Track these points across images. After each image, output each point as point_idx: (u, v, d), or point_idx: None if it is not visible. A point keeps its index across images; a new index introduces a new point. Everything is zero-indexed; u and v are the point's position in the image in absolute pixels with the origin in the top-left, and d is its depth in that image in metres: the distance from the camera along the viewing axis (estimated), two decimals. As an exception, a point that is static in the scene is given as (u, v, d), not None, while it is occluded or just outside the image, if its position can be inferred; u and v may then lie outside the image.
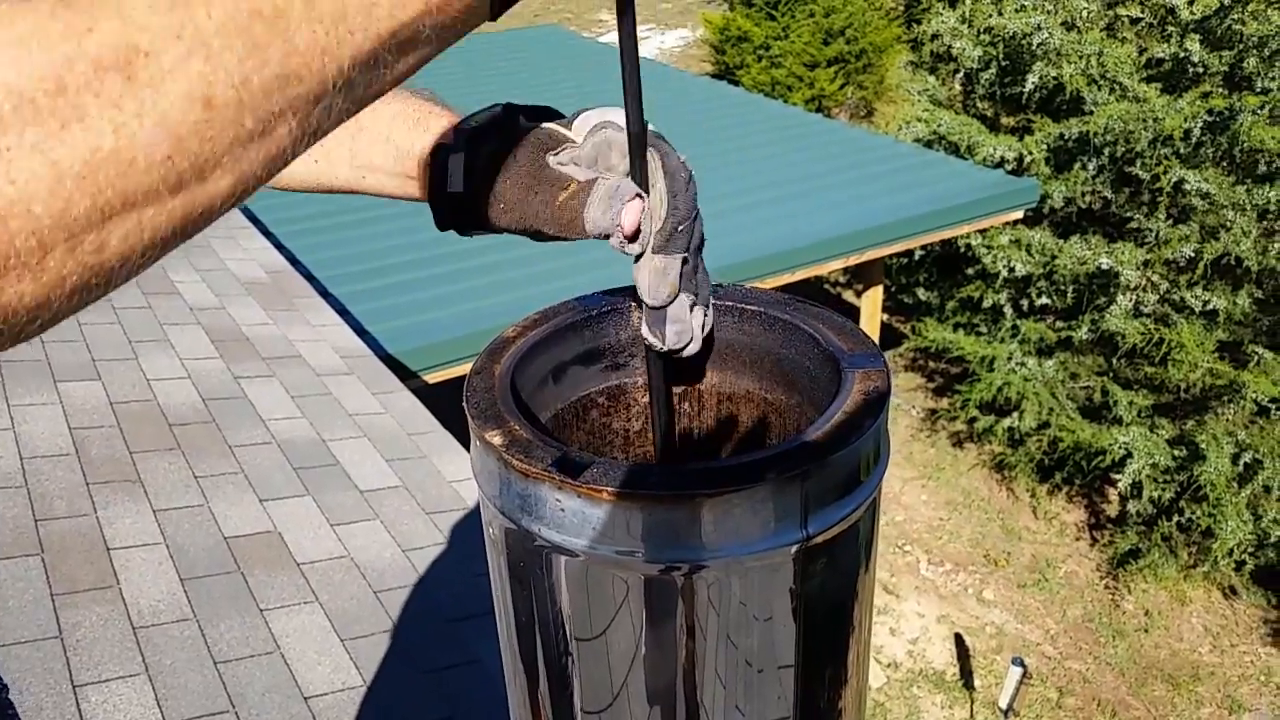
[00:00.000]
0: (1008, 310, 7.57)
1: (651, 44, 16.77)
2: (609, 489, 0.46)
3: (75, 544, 2.33)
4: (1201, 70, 6.62)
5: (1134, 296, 6.78)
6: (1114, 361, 7.08)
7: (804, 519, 0.48)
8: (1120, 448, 6.52)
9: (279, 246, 4.76)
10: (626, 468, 0.47)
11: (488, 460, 0.52)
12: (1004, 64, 7.56)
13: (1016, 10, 7.19)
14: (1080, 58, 6.88)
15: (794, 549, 0.48)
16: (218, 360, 3.31)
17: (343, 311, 4.39)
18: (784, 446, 0.48)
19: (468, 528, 2.70)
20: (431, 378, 4.45)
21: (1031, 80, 7.10)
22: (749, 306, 0.62)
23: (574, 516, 0.48)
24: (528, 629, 0.55)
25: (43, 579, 2.20)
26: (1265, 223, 6.28)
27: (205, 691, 2.01)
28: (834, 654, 0.56)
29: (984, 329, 7.76)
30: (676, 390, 0.66)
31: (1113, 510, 7.31)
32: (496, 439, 0.50)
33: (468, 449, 2.75)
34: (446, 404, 4.12)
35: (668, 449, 0.60)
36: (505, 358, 0.58)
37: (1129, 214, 7.08)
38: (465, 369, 4.51)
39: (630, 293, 0.65)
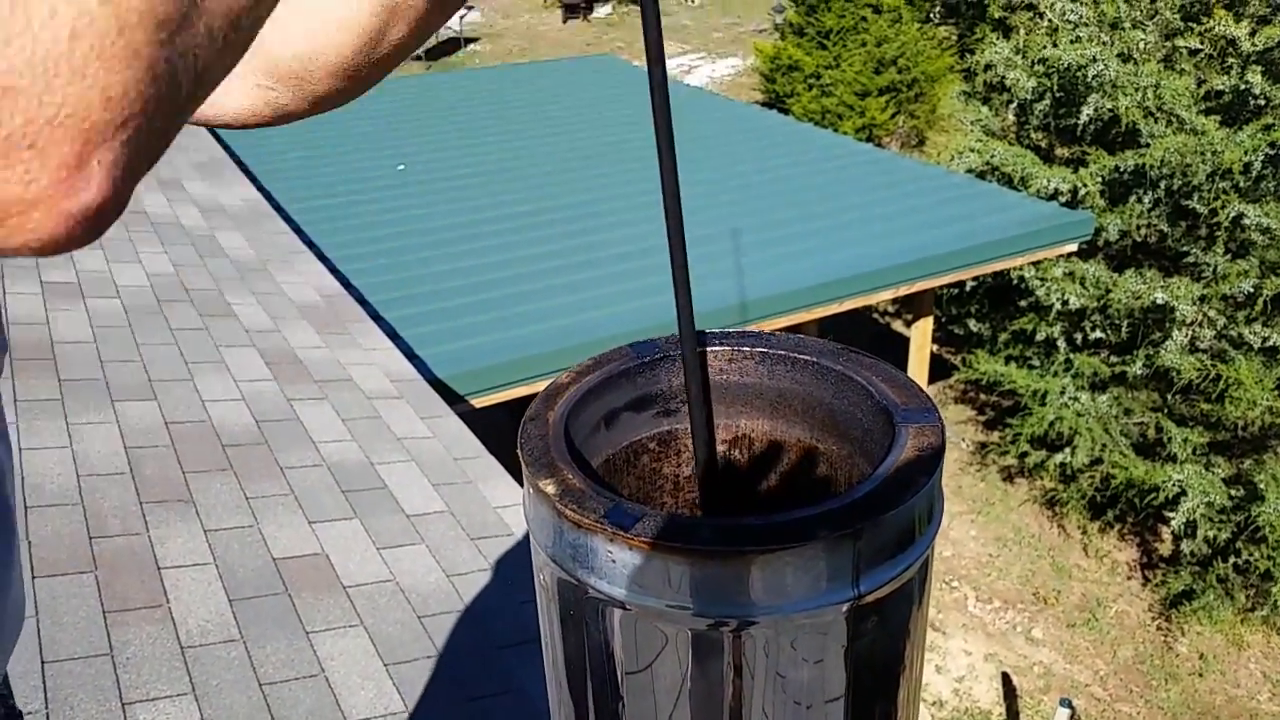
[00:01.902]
0: (1061, 344, 7.47)
1: (702, 72, 16.85)
2: (660, 542, 0.46)
3: (127, 562, 2.38)
4: (1263, 102, 6.51)
5: (1190, 332, 6.66)
6: (1169, 398, 6.95)
7: (855, 578, 0.48)
8: (1174, 486, 6.39)
9: (333, 270, 4.84)
10: (678, 521, 0.47)
11: (541, 508, 0.52)
12: (1058, 95, 7.50)
13: (1071, 41, 7.13)
14: (1137, 89, 6.80)
15: (845, 607, 0.48)
16: (271, 382, 3.36)
17: (393, 335, 4.44)
18: (835, 504, 0.48)
19: (513, 554, 2.70)
20: (479, 402, 4.48)
21: (1086, 112, 7.03)
22: (801, 356, 0.62)
23: (624, 568, 0.48)
24: (578, 673, 0.55)
25: (95, 596, 2.24)
26: (1328, 259, 6.15)
27: (250, 713, 2.03)
28: (884, 706, 0.55)
29: (1036, 362, 7.66)
30: (727, 438, 0.66)
31: (1166, 550, 7.15)
32: (550, 488, 0.50)
33: (513, 475, 2.76)
34: (493, 429, 4.14)
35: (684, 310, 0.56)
36: (559, 404, 0.59)
37: (1186, 248, 6.97)
38: (513, 394, 4.54)
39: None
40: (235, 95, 0.64)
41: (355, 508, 2.79)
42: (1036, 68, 7.43)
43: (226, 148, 6.37)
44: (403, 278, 5.34)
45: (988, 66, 7.85)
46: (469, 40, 18.98)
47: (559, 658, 0.55)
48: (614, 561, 0.48)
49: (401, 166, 7.30)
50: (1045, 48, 7.25)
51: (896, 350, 7.64)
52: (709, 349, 0.64)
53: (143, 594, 2.29)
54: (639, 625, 0.49)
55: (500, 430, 3.94)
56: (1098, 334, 7.26)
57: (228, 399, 3.19)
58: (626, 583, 0.48)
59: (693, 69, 16.92)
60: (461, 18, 19.05)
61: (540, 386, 3.50)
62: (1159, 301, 6.60)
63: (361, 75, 0.64)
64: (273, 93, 0.64)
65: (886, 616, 0.51)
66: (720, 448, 0.67)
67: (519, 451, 0.54)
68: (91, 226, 0.31)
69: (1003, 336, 7.93)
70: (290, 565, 2.50)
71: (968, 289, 8.09)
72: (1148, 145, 6.78)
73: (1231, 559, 6.39)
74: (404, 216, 6.27)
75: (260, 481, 2.80)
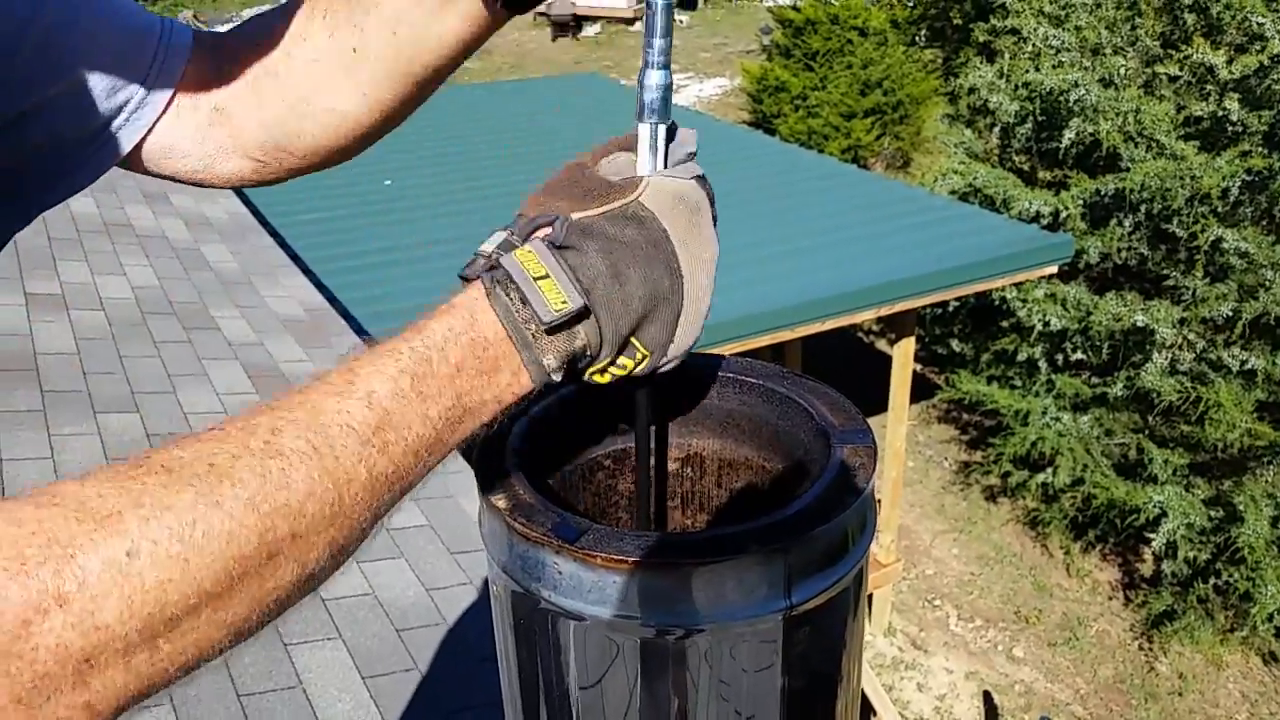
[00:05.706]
0: (1042, 364, 7.52)
1: (690, 92, 16.95)
2: (601, 555, 0.49)
3: (108, 574, 2.38)
4: (1240, 129, 6.60)
5: (1170, 354, 6.72)
6: (1149, 419, 7.01)
7: (788, 589, 0.51)
8: (1155, 506, 6.44)
9: (318, 285, 4.85)
10: (619, 535, 0.50)
11: (493, 522, 0.55)
12: (1041, 119, 7.58)
13: (1054, 66, 7.22)
14: (1117, 114, 6.88)
15: (780, 617, 0.51)
16: (254, 395, 3.37)
17: (377, 350, 4.44)
18: (768, 520, 0.51)
19: (491, 570, 2.71)
20: (462, 418, 4.48)
21: (1068, 136, 7.11)
22: (749, 379, 0.65)
23: (570, 580, 0.51)
24: (531, 681, 0.57)
25: (75, 608, 2.24)
26: (1305, 283, 6.22)
27: (228, 725, 2.04)
28: (823, 709, 0.58)
29: (1018, 382, 7.71)
30: (680, 456, 0.69)
31: (1147, 570, 7.20)
32: (501, 502, 0.53)
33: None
34: (475, 443, 4.14)
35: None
36: (516, 421, 0.62)
37: (1165, 271, 7.04)
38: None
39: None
40: (224, 165, 0.72)
41: (336, 522, 2.79)
42: (1019, 91, 7.52)
43: (214, 161, 6.37)
44: (388, 292, 5.35)
45: (971, 90, 7.93)
46: (459, 56, 19.04)
47: (513, 667, 0.58)
48: (560, 573, 0.51)
49: (389, 181, 7.33)
50: (1028, 72, 7.33)
51: (880, 369, 7.68)
52: (662, 371, 0.67)
53: (122, 606, 2.29)
54: (588, 634, 0.52)
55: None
56: (1079, 355, 7.32)
57: (210, 411, 3.20)
58: (574, 594, 0.51)
59: (680, 89, 17.01)
60: (452, 34, 19.10)
61: (523, 402, 3.51)
62: (1139, 324, 6.66)
63: (349, 152, 0.74)
64: (259, 164, 0.73)
65: (821, 625, 0.53)
66: (673, 465, 0.69)
67: (473, 468, 0.57)
68: None
69: (985, 357, 7.98)
70: (270, 578, 2.51)
71: (950, 309, 8.15)
72: (1128, 169, 6.86)
73: (1211, 580, 6.44)
74: (390, 231, 6.29)
75: (241, 495, 2.80)
